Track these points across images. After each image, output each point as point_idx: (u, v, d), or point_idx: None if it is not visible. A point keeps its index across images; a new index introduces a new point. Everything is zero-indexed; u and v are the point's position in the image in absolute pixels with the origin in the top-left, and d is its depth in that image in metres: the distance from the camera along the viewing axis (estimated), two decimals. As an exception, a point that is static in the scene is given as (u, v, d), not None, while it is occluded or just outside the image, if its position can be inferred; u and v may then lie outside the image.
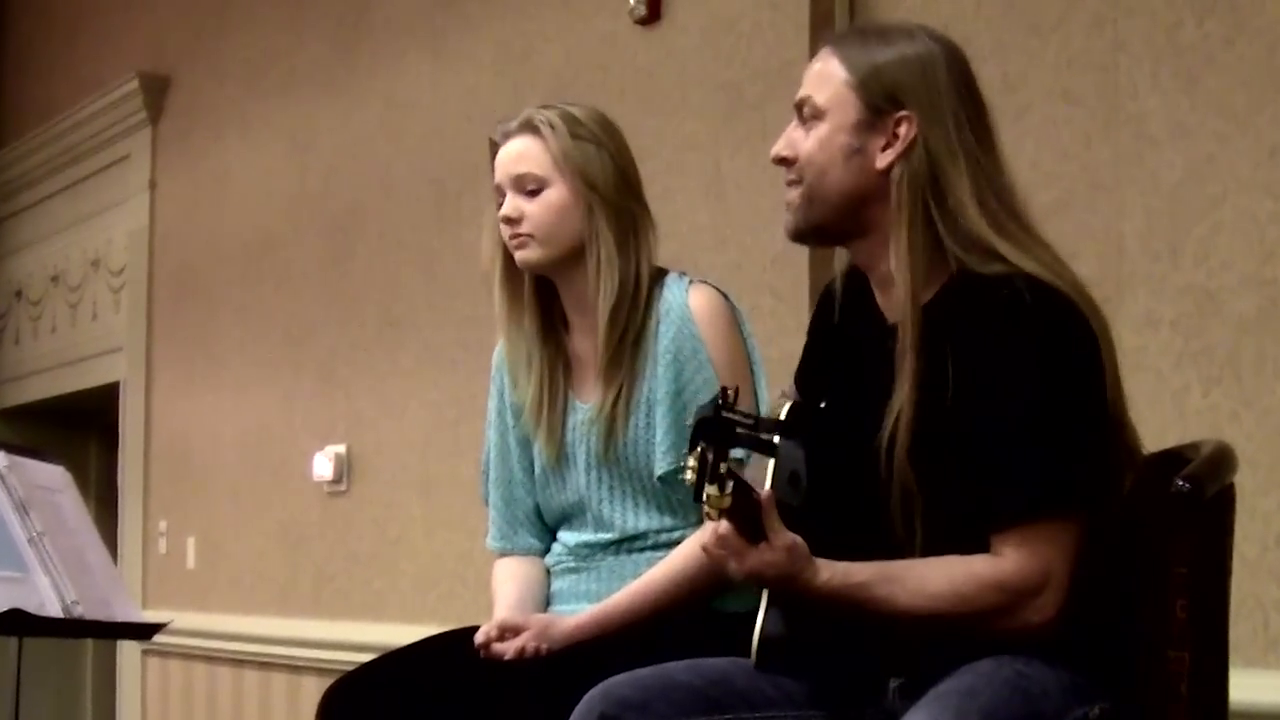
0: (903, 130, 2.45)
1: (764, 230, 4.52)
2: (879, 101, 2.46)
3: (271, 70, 7.07)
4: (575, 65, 5.35)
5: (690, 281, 3.05)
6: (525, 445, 3.17)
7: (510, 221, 3.05)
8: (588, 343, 3.09)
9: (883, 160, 2.45)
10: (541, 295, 3.14)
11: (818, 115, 2.49)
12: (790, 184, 2.53)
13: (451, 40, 5.97)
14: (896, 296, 2.44)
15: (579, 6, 5.36)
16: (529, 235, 3.04)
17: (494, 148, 3.13)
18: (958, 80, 2.48)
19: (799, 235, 2.56)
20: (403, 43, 6.22)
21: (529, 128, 3.07)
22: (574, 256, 3.05)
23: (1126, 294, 3.69)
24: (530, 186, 3.05)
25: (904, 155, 2.44)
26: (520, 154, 3.07)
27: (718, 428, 2.21)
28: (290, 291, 6.89)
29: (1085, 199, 3.82)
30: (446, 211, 5.95)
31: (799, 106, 2.53)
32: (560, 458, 3.09)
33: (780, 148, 2.54)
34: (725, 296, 3.06)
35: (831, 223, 2.51)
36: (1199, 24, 3.64)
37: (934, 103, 2.45)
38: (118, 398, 8.22)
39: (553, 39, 5.48)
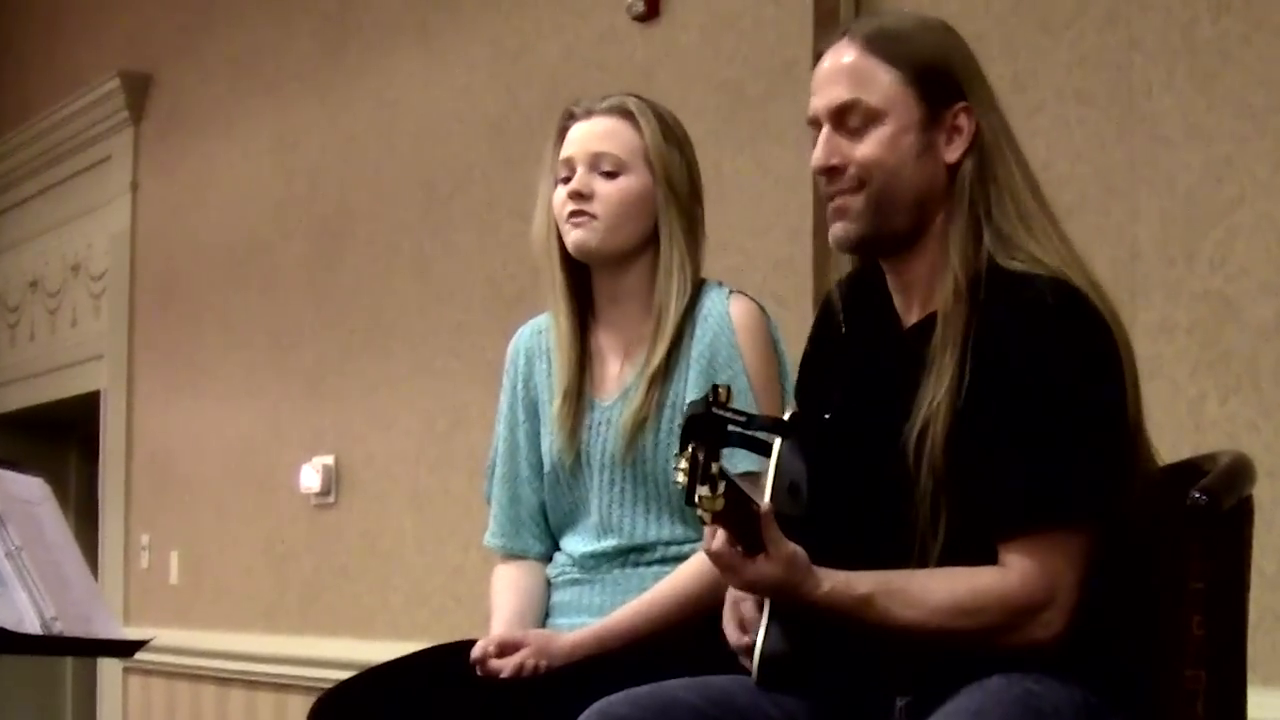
0: (963, 122, 2.44)
1: (766, 234, 4.53)
2: (938, 95, 2.44)
3: (257, 68, 7.07)
4: (571, 63, 5.35)
5: (730, 291, 3.06)
6: (535, 441, 3.16)
7: (579, 198, 3.03)
8: (614, 339, 3.09)
9: (952, 155, 2.44)
10: (574, 284, 3.12)
11: (874, 117, 2.43)
12: (845, 192, 2.46)
13: (443, 37, 5.98)
14: (942, 295, 2.42)
15: (575, 3, 5.37)
16: (593, 217, 3.02)
17: (567, 120, 3.11)
18: (979, 68, 2.49)
19: (860, 244, 2.50)
20: (393, 40, 6.23)
21: (621, 111, 3.07)
22: (628, 253, 3.05)
23: (1141, 300, 3.69)
24: (608, 167, 3.04)
25: (971, 147, 2.44)
26: (608, 132, 3.06)
27: (709, 426, 2.20)
28: (277, 297, 6.89)
29: (1098, 202, 3.83)
30: (438, 214, 5.95)
31: (841, 112, 2.45)
32: (573, 456, 3.09)
33: (825, 157, 2.46)
34: (763, 309, 3.08)
35: (900, 227, 2.46)
36: (1215, 21, 3.64)
37: (980, 90, 2.46)
38: (98, 407, 8.22)
39: (548, 36, 5.49)
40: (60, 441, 9.20)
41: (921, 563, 2.38)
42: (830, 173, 2.47)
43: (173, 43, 7.78)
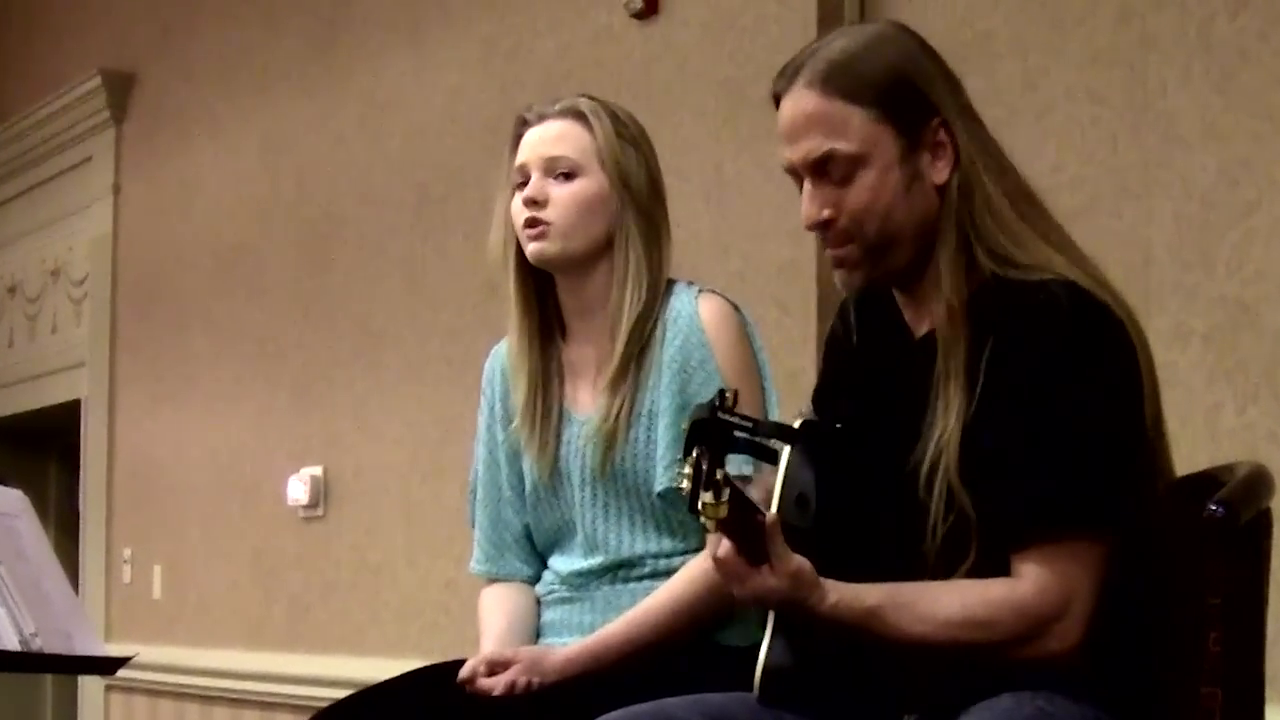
0: (943, 137, 2.43)
1: (769, 238, 4.53)
2: (912, 119, 2.42)
3: (243, 67, 7.08)
4: (567, 62, 5.35)
5: (699, 290, 3.06)
6: (515, 461, 3.16)
7: (533, 204, 3.04)
8: (587, 350, 3.09)
9: (940, 174, 2.43)
10: (537, 297, 3.13)
11: (855, 164, 2.42)
12: (841, 243, 2.46)
13: (435, 35, 5.98)
14: (939, 309, 2.43)
15: (572, 0, 5.37)
16: (549, 225, 3.03)
17: (520, 126, 3.11)
18: (941, 66, 2.48)
19: (869, 287, 2.52)
20: (383, 38, 6.23)
21: (573, 113, 3.08)
22: (588, 258, 3.05)
23: (1155, 306, 3.69)
24: (563, 170, 3.04)
25: (955, 160, 2.43)
26: (560, 136, 3.06)
27: (714, 430, 2.20)
28: (263, 303, 6.89)
29: (1111, 204, 3.83)
30: (429, 218, 5.95)
31: (821, 164, 2.44)
32: (553, 473, 3.09)
33: (816, 213, 2.45)
34: (735, 306, 3.07)
35: (904, 261, 2.46)
36: (1232, 17, 3.65)
37: (946, 96, 2.45)
38: (79, 416, 8.22)
39: (543, 34, 5.49)
40: (40, 452, 9.20)
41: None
42: (823, 227, 2.46)
43: (156, 40, 7.78)
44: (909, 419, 2.42)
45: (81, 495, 8.22)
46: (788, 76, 2.47)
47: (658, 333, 3.02)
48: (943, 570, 2.37)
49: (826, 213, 2.44)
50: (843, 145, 2.42)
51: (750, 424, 2.36)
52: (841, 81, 2.43)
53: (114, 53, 8.08)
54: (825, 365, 2.73)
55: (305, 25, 6.68)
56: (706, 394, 2.90)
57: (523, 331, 3.10)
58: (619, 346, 3.02)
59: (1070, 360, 2.32)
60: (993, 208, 2.42)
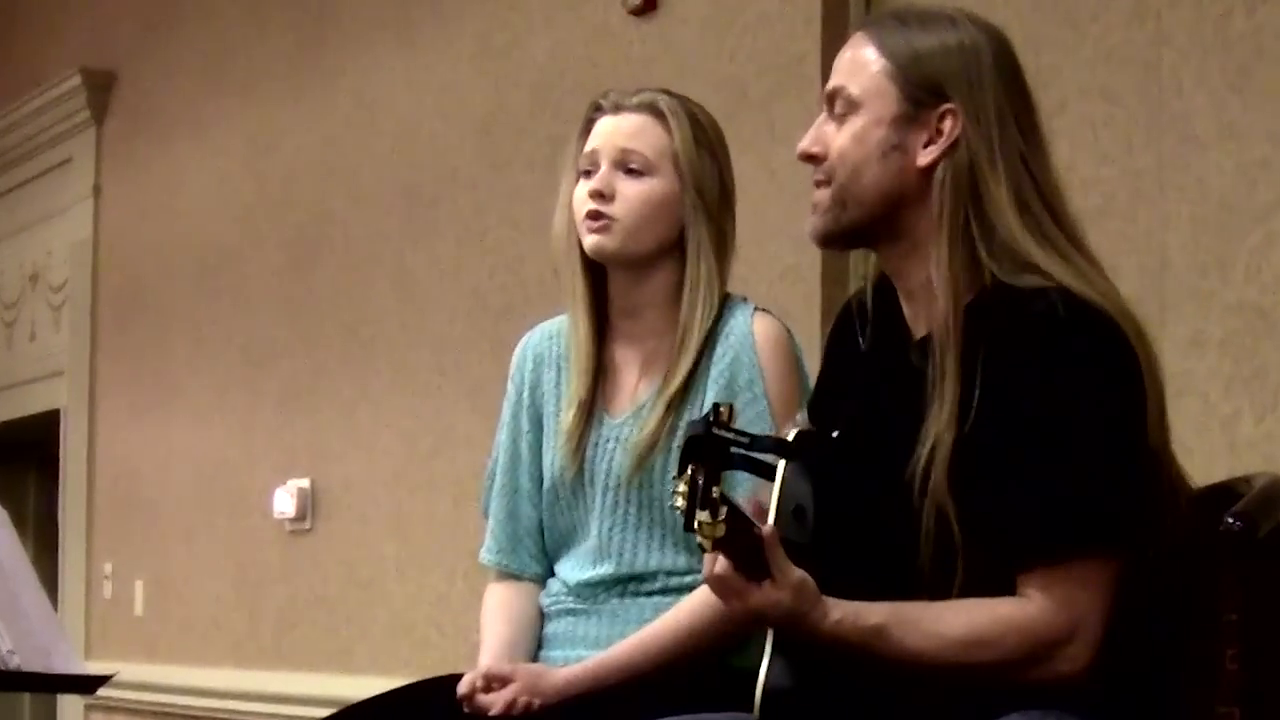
0: (946, 125, 2.45)
1: (771, 241, 4.53)
2: (920, 93, 2.45)
3: (228, 65, 7.08)
4: (562, 60, 5.36)
5: (755, 309, 3.06)
6: (537, 454, 3.15)
7: (599, 197, 3.02)
8: (631, 352, 3.09)
9: (925, 158, 2.45)
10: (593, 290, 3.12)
11: (852, 107, 2.48)
12: (818, 184, 2.52)
13: (426, 32, 5.98)
14: (937, 314, 2.44)
15: (567, -5, 5.38)
16: (612, 220, 3.02)
17: (594, 112, 3.11)
18: (1004, 71, 2.49)
19: (826, 239, 2.56)
20: (372, 36, 6.23)
21: (652, 109, 3.08)
22: (647, 260, 3.05)
23: (1171, 312, 3.69)
24: (634, 165, 3.03)
25: (948, 153, 2.44)
26: (637, 130, 3.06)
27: (710, 447, 2.20)
28: (248, 309, 6.89)
29: (1125, 207, 3.83)
30: (420, 221, 5.96)
31: (830, 98, 2.51)
32: (577, 474, 3.08)
33: (808, 143, 2.53)
34: (789, 330, 3.08)
35: (863, 226, 2.51)
36: (1250, 14, 3.65)
37: (978, 96, 2.45)
38: (58, 427, 8.22)
39: (538, 31, 5.49)
40: (18, 463, 9.20)
41: (932, 598, 2.38)
42: (809, 160, 2.53)
43: (138, 38, 7.78)
44: (905, 425, 2.42)
45: (61, 508, 8.22)
46: (868, 19, 2.57)
47: (709, 347, 3.02)
48: (936, 585, 2.38)
49: (816, 147, 2.52)
50: (850, 85, 2.49)
51: (747, 439, 2.36)
52: (886, 32, 2.50)
53: (94, 50, 8.08)
54: (825, 367, 2.73)
55: (292, 22, 6.68)
56: (750, 414, 2.90)
57: (586, 324, 3.09)
58: (685, 360, 3.01)
59: (1069, 373, 2.32)
60: (996, 209, 2.42)
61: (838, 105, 2.50)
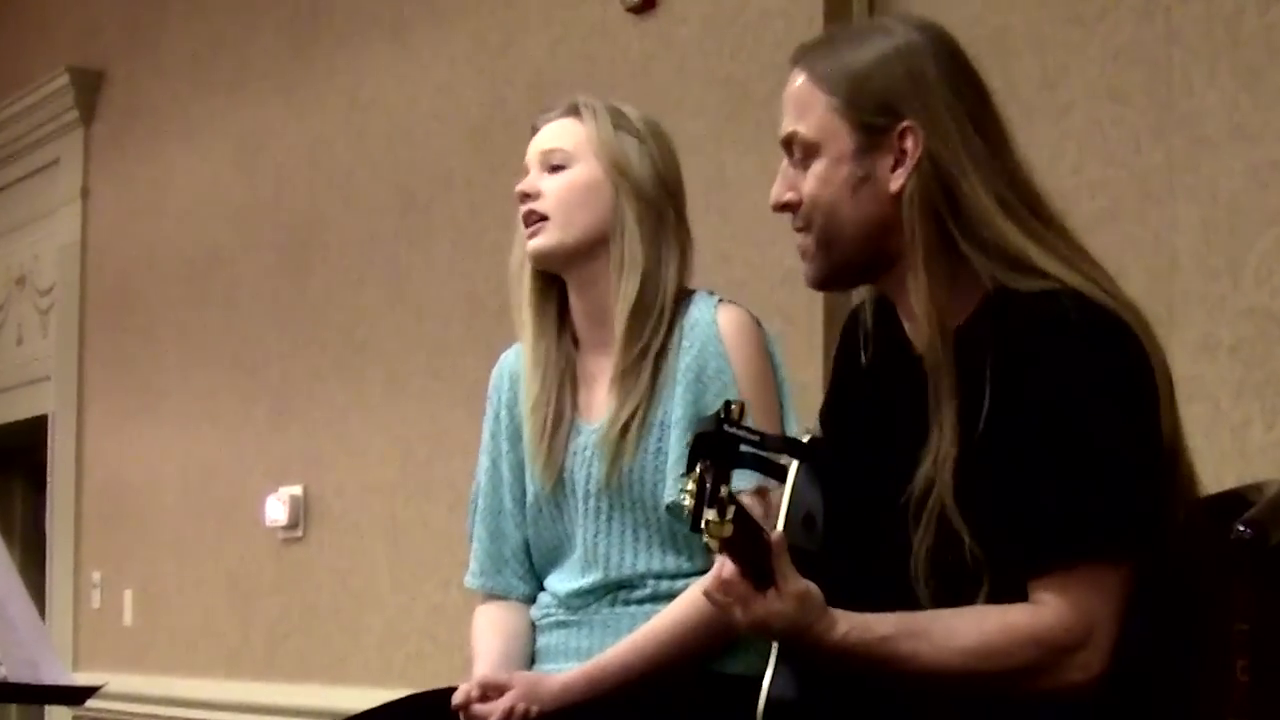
0: (909, 144, 2.43)
1: (772, 244, 4.53)
2: (872, 118, 2.44)
3: (218, 64, 7.08)
4: (560, 59, 5.36)
5: (719, 300, 3.07)
6: (519, 472, 3.18)
7: (526, 198, 3.09)
8: (601, 361, 3.10)
9: (895, 182, 2.44)
10: (554, 305, 3.15)
11: (810, 151, 2.48)
12: (800, 231, 2.51)
13: (421, 30, 5.98)
14: (920, 331, 2.44)
15: (564, -7, 5.38)
16: (544, 218, 3.06)
17: (532, 134, 3.18)
18: (949, 70, 2.47)
19: (822, 284, 2.57)
20: (366, 34, 6.23)
21: (570, 110, 3.15)
22: (591, 253, 3.07)
23: (1180, 316, 3.69)
24: (556, 162, 3.10)
25: (916, 171, 2.44)
26: (557, 131, 3.13)
27: (719, 444, 2.20)
28: (239, 313, 6.89)
29: (1134, 209, 3.83)
30: (415, 223, 5.96)
31: (787, 144, 2.51)
32: (556, 484, 3.10)
33: (779, 193, 2.52)
34: (757, 321, 3.08)
35: (855, 262, 2.50)
36: (1262, 13, 3.65)
37: (931, 104, 2.44)
38: (45, 433, 8.22)
39: (535, 29, 5.49)
40: (4, 471, 9.21)
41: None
42: (784, 209, 2.52)
43: (126, 36, 7.78)
44: (906, 442, 2.42)
45: (48, 516, 8.21)
46: (799, 51, 2.55)
47: (673, 341, 3.04)
48: (935, 604, 2.38)
49: (789, 195, 2.51)
50: (803, 128, 2.48)
51: (758, 437, 2.36)
52: (821, 66, 2.49)
53: (82, 49, 8.08)
54: (832, 381, 2.73)
55: (283, 20, 6.68)
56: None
57: (536, 337, 3.13)
58: (618, 346, 3.04)
59: (1081, 377, 2.32)
60: (979, 213, 2.41)
61: (795, 151, 2.49)
